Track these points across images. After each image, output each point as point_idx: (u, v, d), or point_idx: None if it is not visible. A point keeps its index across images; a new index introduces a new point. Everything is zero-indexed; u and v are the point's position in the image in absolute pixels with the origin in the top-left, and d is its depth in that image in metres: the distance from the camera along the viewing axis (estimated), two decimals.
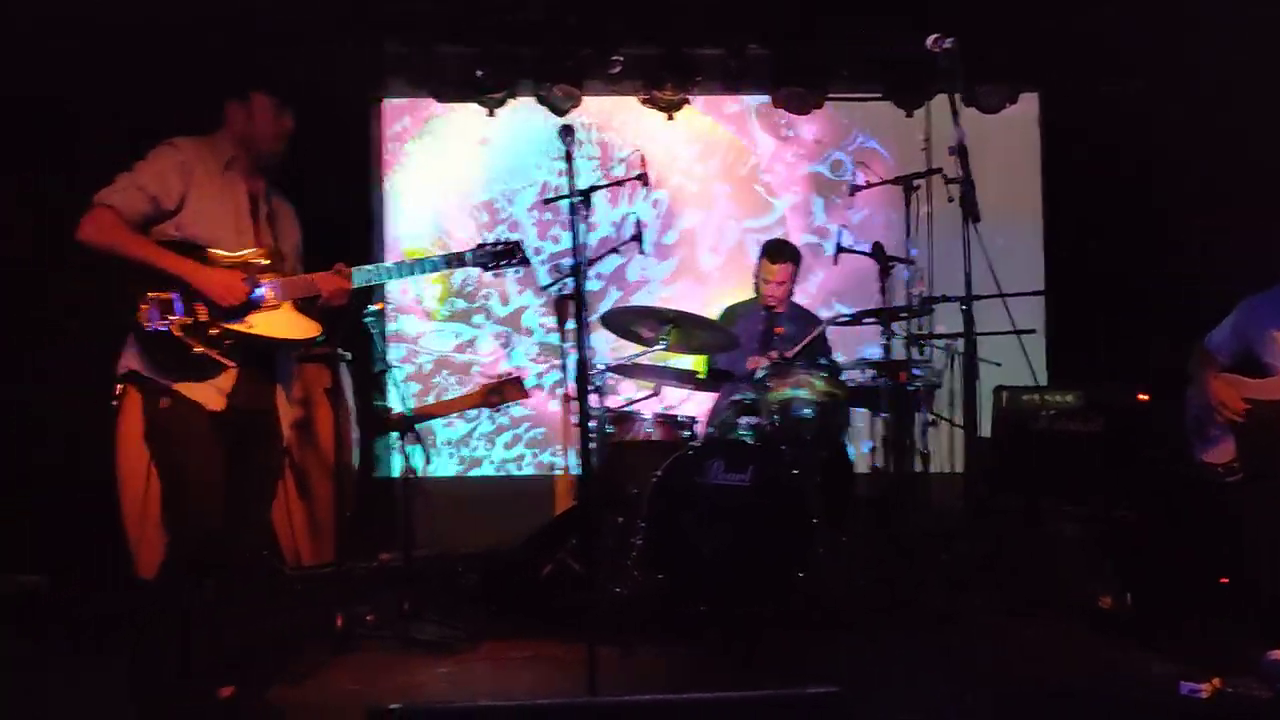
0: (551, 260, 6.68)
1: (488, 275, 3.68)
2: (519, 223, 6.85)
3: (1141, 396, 4.81)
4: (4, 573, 4.91)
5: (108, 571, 4.65)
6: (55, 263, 3.36)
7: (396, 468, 6.23)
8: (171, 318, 3.15)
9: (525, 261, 3.66)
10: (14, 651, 4.18)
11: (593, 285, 6.59)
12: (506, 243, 3.64)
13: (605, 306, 5.92)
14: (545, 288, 5.24)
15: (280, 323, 3.32)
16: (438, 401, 5.85)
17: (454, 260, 3.60)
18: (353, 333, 4.55)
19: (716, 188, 6.96)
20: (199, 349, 3.16)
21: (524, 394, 4.85)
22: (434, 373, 6.81)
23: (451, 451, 6.80)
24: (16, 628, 4.49)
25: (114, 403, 4.33)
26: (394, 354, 5.67)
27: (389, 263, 3.60)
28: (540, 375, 6.80)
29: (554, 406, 6.71)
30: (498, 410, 4.93)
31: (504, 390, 4.80)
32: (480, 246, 3.62)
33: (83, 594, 4.80)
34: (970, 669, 3.69)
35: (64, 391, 5.12)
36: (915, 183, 5.02)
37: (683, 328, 4.83)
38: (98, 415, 4.44)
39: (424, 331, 6.85)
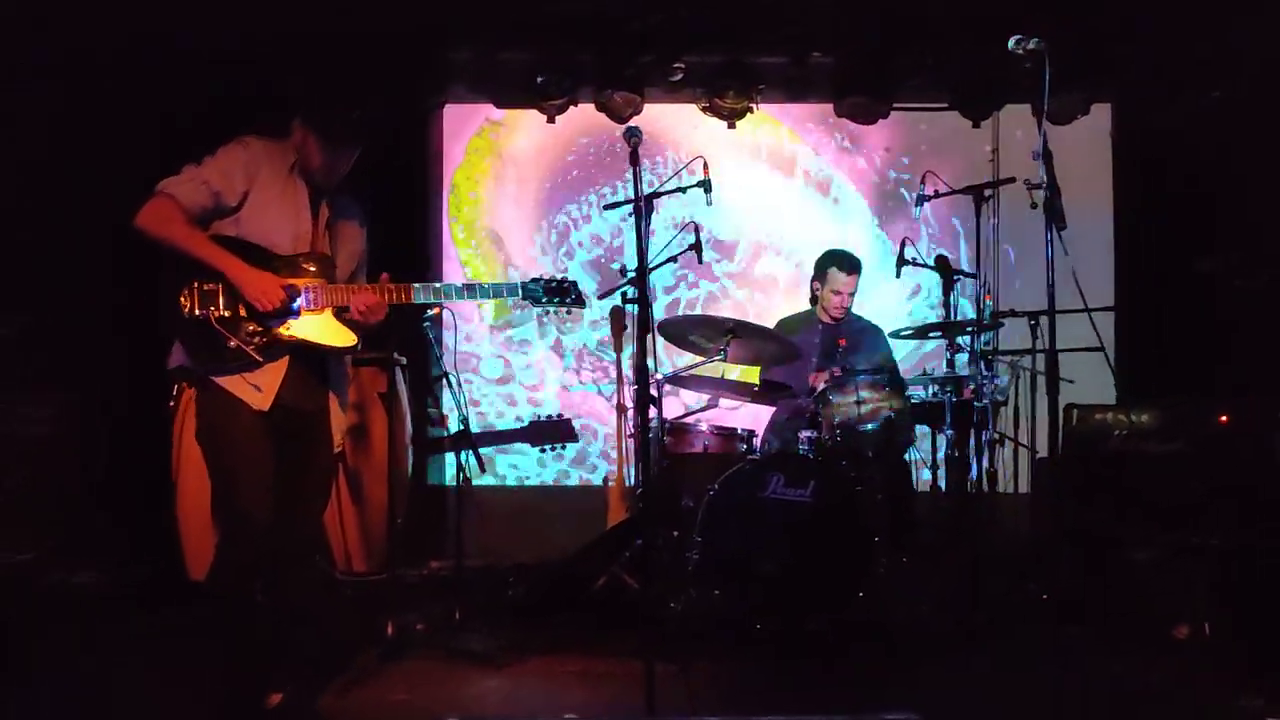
0: (608, 267, 6.63)
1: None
2: (580, 229, 6.81)
3: (1222, 418, 4.61)
4: (59, 571, 4.92)
5: (162, 571, 4.66)
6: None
7: (448, 475, 6.22)
8: (211, 308, 3.17)
9: (580, 303, 3.62)
10: (66, 651, 4.17)
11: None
12: (562, 281, 3.60)
13: (659, 316, 5.84)
14: (602, 296, 5.16)
15: (317, 328, 3.32)
16: (486, 431, 5.79)
17: (506, 290, 3.56)
18: (409, 338, 4.51)
19: (775, 196, 6.85)
20: (234, 343, 3.18)
21: (573, 438, 4.81)
22: (484, 378, 6.77)
23: (503, 460, 6.73)
24: (71, 626, 4.48)
25: (171, 404, 4.33)
26: (447, 359, 5.65)
27: (439, 284, 3.56)
28: (589, 382, 6.73)
29: (607, 415, 6.63)
30: (544, 450, 4.88)
31: (552, 432, 4.76)
32: (534, 281, 3.58)
33: (135, 594, 4.80)
34: (1042, 698, 3.52)
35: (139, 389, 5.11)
36: (986, 193, 4.86)
37: (743, 338, 4.72)
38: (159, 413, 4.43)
39: (474, 334, 6.81)
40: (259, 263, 3.23)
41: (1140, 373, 6.29)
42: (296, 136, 3.35)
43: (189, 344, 3.20)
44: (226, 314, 3.19)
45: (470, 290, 3.54)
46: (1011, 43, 3.29)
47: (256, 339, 3.21)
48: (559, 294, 3.58)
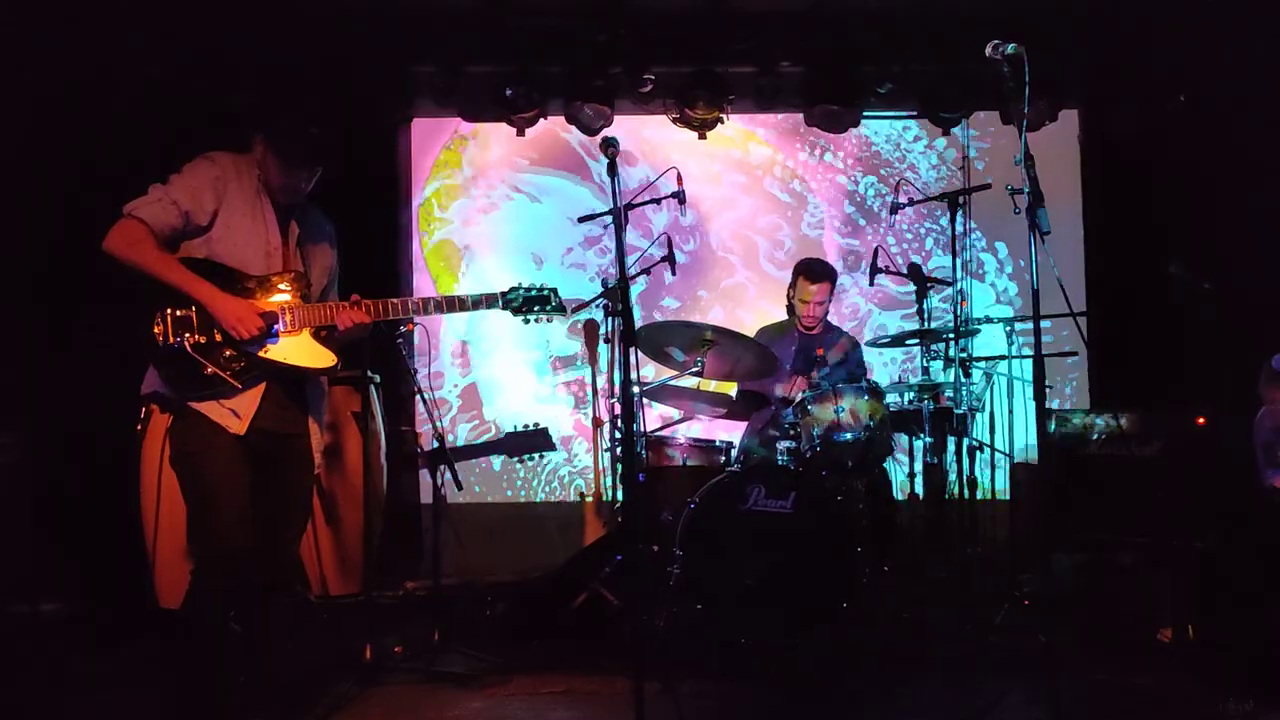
0: (582, 279, 6.58)
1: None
2: (553, 241, 6.76)
3: (1199, 420, 4.62)
4: (25, 599, 4.79)
5: (130, 600, 4.54)
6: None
7: (423, 493, 6.13)
8: (186, 335, 3.08)
9: (560, 310, 3.57)
10: (34, 680, 4.06)
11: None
12: (541, 289, 3.55)
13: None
14: (575, 309, 5.10)
15: (295, 350, 3.24)
16: (463, 446, 5.72)
17: (485, 302, 3.48)
18: (382, 354, 4.43)
19: (748, 206, 6.83)
20: (211, 369, 3.10)
21: (550, 446, 4.76)
22: (459, 393, 6.69)
23: (478, 475, 6.65)
24: (38, 655, 4.37)
25: (139, 427, 4.23)
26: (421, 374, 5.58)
27: (416, 298, 3.49)
28: (564, 395, 6.68)
29: (582, 429, 6.57)
30: (523, 460, 4.82)
31: (530, 442, 4.70)
32: (514, 290, 3.52)
33: (102, 622, 4.69)
34: (1032, 703, 3.50)
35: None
36: (961, 199, 4.86)
37: (721, 347, 4.68)
38: (125, 440, 4.33)
39: (449, 349, 6.73)
40: (231, 285, 3.15)
41: (1114, 377, 6.33)
42: (258, 152, 3.27)
43: (164, 371, 3.11)
44: (201, 340, 3.10)
45: (450, 303, 3.46)
46: (989, 49, 3.28)
47: (234, 364, 3.13)
48: (539, 302, 3.53)
